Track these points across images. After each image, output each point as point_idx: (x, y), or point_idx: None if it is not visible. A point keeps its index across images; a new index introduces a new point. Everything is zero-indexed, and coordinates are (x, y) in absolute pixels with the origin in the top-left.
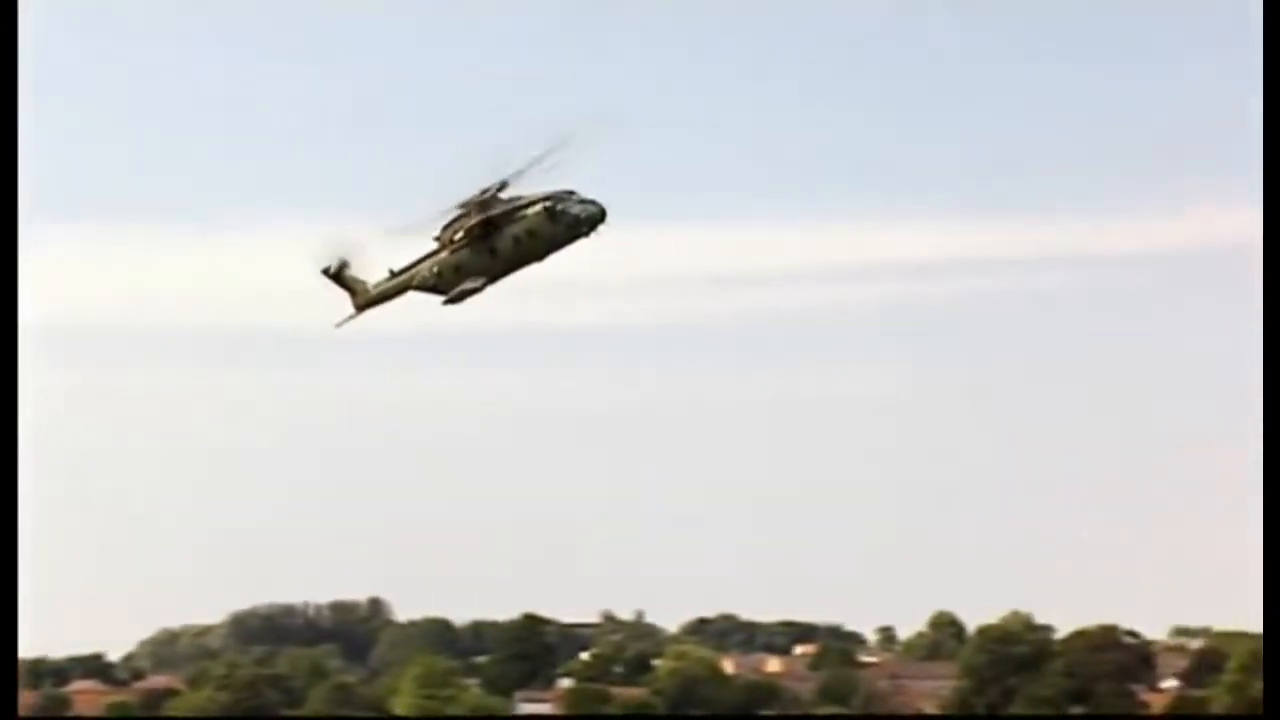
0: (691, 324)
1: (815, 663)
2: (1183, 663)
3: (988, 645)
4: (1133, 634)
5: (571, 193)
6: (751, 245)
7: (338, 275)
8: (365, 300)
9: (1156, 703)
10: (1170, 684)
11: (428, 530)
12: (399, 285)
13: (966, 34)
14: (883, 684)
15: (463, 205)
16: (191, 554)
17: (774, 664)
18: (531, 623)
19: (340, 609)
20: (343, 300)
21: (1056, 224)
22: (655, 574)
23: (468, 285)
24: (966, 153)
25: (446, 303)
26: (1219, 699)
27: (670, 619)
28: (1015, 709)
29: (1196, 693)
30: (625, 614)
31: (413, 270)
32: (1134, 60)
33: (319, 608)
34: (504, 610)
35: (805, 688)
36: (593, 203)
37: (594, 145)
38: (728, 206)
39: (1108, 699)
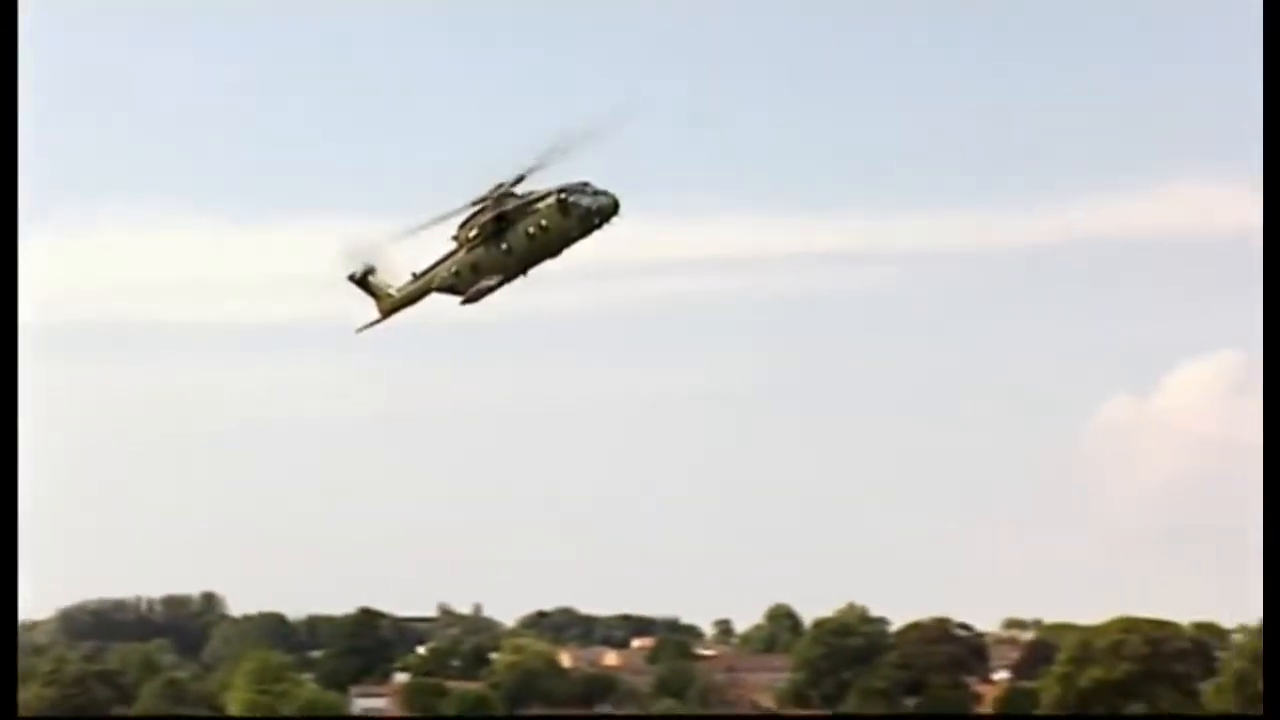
0: (534, 318)
1: (653, 656)
2: (1014, 654)
3: (823, 638)
4: (965, 626)
5: (585, 184)
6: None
7: (363, 281)
8: (390, 305)
9: (988, 694)
10: (1002, 675)
11: (261, 525)
12: (421, 288)
13: (809, 19)
14: (719, 677)
15: (477, 202)
16: (19, 548)
17: (612, 657)
18: (367, 617)
19: (173, 603)
20: (367, 305)
21: (899, 220)
22: (493, 568)
23: (484, 283)
24: (820, 146)
25: (464, 302)
26: (1048, 690)
27: (508, 613)
28: (850, 701)
29: (1027, 684)
30: (463, 608)
31: (432, 272)
32: (1002, 52)
33: (151, 602)
34: (339, 605)
35: (642, 680)
36: (605, 194)
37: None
38: None
39: (941, 690)
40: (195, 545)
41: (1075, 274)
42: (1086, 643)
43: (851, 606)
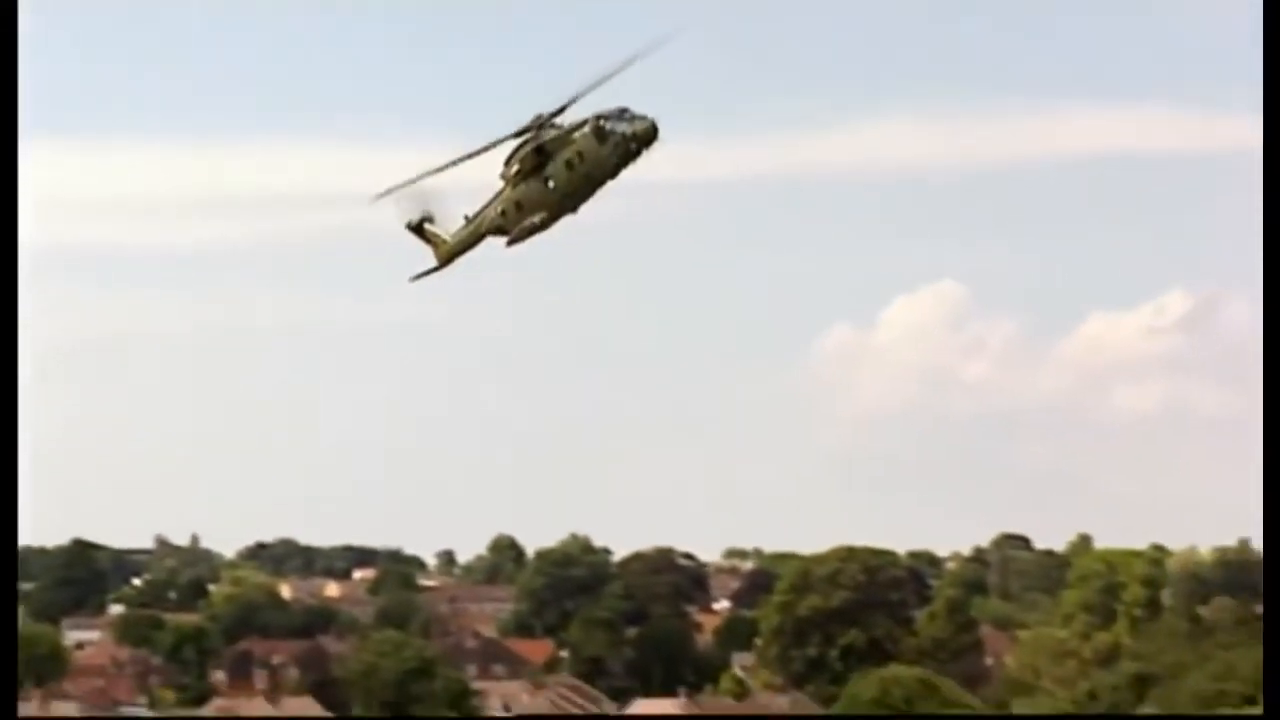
0: (230, 249)
1: (374, 587)
2: (735, 584)
3: (546, 568)
4: (688, 556)
5: (624, 110)
6: (263, 166)
7: (419, 229)
8: (445, 252)
9: (709, 622)
10: (723, 604)
11: None
12: (472, 232)
13: None
14: (442, 607)
15: (518, 134)
16: None
17: (333, 588)
18: (80, 548)
19: None
20: (425, 252)
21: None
22: (212, 499)
23: (529, 222)
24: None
25: (509, 244)
26: (768, 618)
27: (227, 544)
28: (573, 630)
29: (747, 612)
30: (180, 539)
31: (482, 214)
32: None
33: None
34: (51, 536)
35: (364, 611)
36: (643, 118)
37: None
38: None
39: (663, 620)
40: None
41: (795, 207)
42: (806, 571)
43: (574, 537)
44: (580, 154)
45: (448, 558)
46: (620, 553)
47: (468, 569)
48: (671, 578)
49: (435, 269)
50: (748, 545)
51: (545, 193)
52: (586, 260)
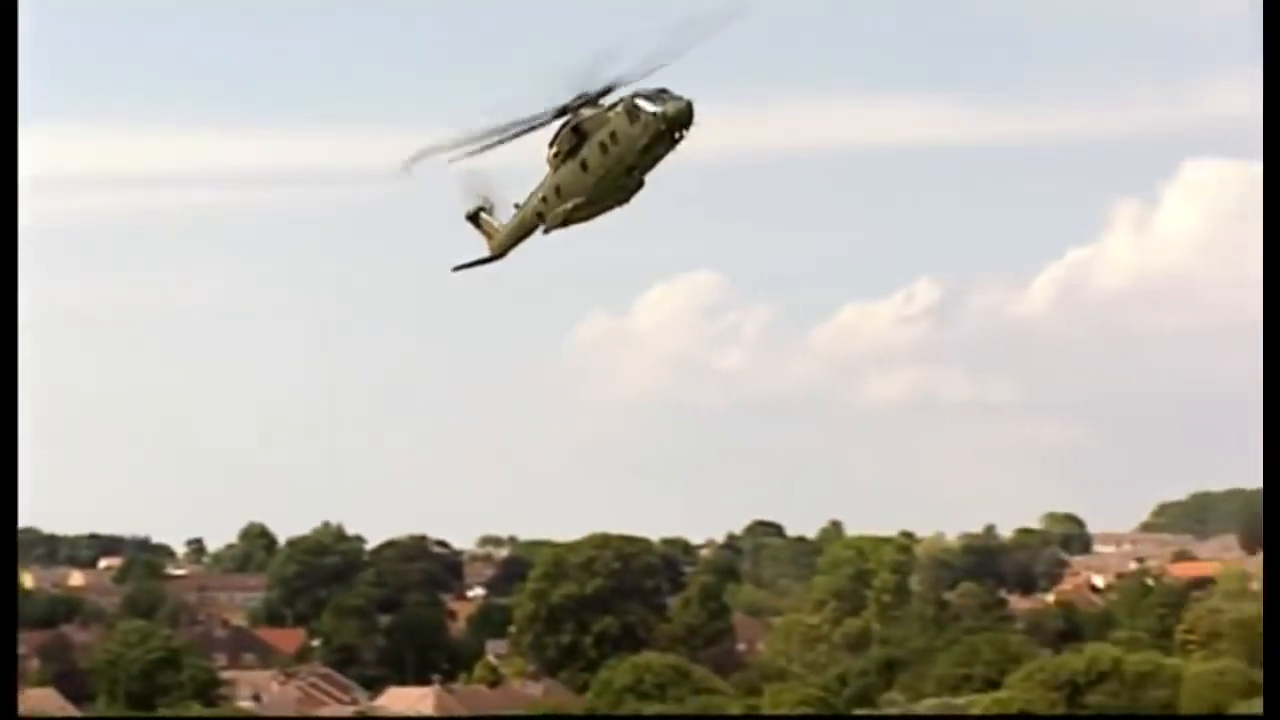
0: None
1: (120, 575)
2: (490, 571)
3: (297, 556)
4: (442, 544)
5: (662, 90)
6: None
7: (475, 218)
8: (498, 244)
9: (463, 610)
10: (477, 592)
11: None
12: (520, 222)
13: None
14: (191, 596)
15: (560, 112)
16: None
17: (77, 577)
18: None
19: None
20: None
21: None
22: None
23: (563, 207)
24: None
25: (546, 230)
26: (522, 606)
27: None
28: (325, 618)
29: (501, 600)
30: None
31: (529, 200)
32: None
33: None
34: None
35: (110, 601)
36: (677, 99)
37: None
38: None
39: (416, 607)
40: None
41: None
42: (560, 559)
43: (327, 525)
44: (614, 135)
45: (197, 546)
46: (374, 541)
47: (218, 558)
48: (425, 565)
49: (485, 260)
50: (502, 533)
51: (582, 177)
52: (340, 244)
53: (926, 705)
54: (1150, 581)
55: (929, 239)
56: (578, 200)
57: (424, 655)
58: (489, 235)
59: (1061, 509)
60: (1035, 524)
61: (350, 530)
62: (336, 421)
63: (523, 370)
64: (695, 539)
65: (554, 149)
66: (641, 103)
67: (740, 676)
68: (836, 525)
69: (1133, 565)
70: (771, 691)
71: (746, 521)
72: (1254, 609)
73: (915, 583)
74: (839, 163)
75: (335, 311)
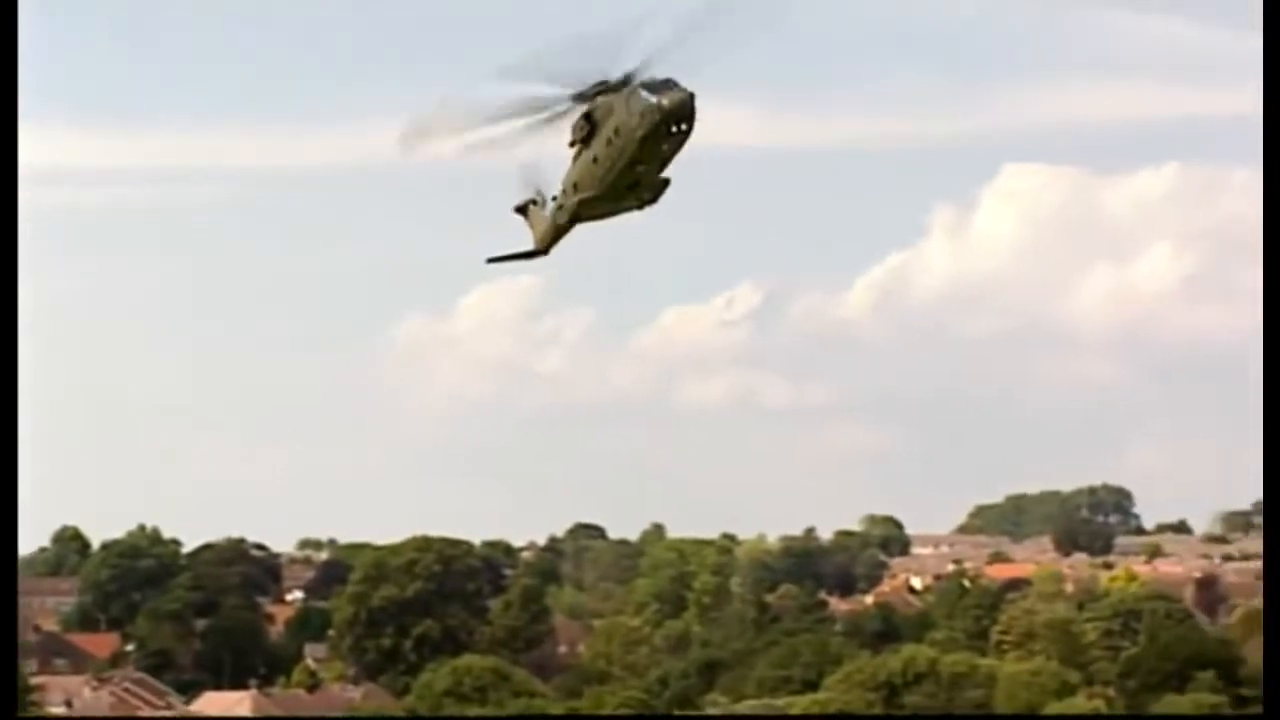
0: None
1: None
2: (309, 574)
3: (112, 560)
4: (260, 547)
5: (668, 80)
6: None
7: (524, 210)
8: (539, 236)
9: (282, 614)
10: (296, 595)
11: None
12: (553, 215)
13: None
14: None
15: (579, 99)
16: None
17: None
18: None
19: None
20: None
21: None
22: None
23: (572, 201)
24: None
25: (562, 225)
26: (341, 609)
27: None
28: (140, 623)
29: (320, 603)
30: None
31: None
32: None
33: None
34: None
35: None
36: (679, 91)
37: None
38: None
39: (233, 611)
40: None
41: (374, 195)
42: (380, 562)
43: (142, 528)
44: (618, 128)
45: None
46: (191, 544)
47: (29, 562)
48: (243, 569)
49: (527, 254)
50: (322, 536)
51: (593, 170)
52: (162, 245)
53: (746, 706)
54: (967, 583)
55: (750, 243)
56: (586, 195)
57: (241, 659)
58: (533, 227)
59: (880, 511)
60: (855, 526)
61: (166, 533)
62: (153, 422)
63: (343, 372)
64: (517, 541)
65: (570, 139)
66: (642, 92)
67: (561, 679)
68: (658, 528)
69: (950, 567)
70: (592, 694)
71: (568, 524)
72: (1067, 610)
73: (736, 585)
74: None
75: (158, 313)
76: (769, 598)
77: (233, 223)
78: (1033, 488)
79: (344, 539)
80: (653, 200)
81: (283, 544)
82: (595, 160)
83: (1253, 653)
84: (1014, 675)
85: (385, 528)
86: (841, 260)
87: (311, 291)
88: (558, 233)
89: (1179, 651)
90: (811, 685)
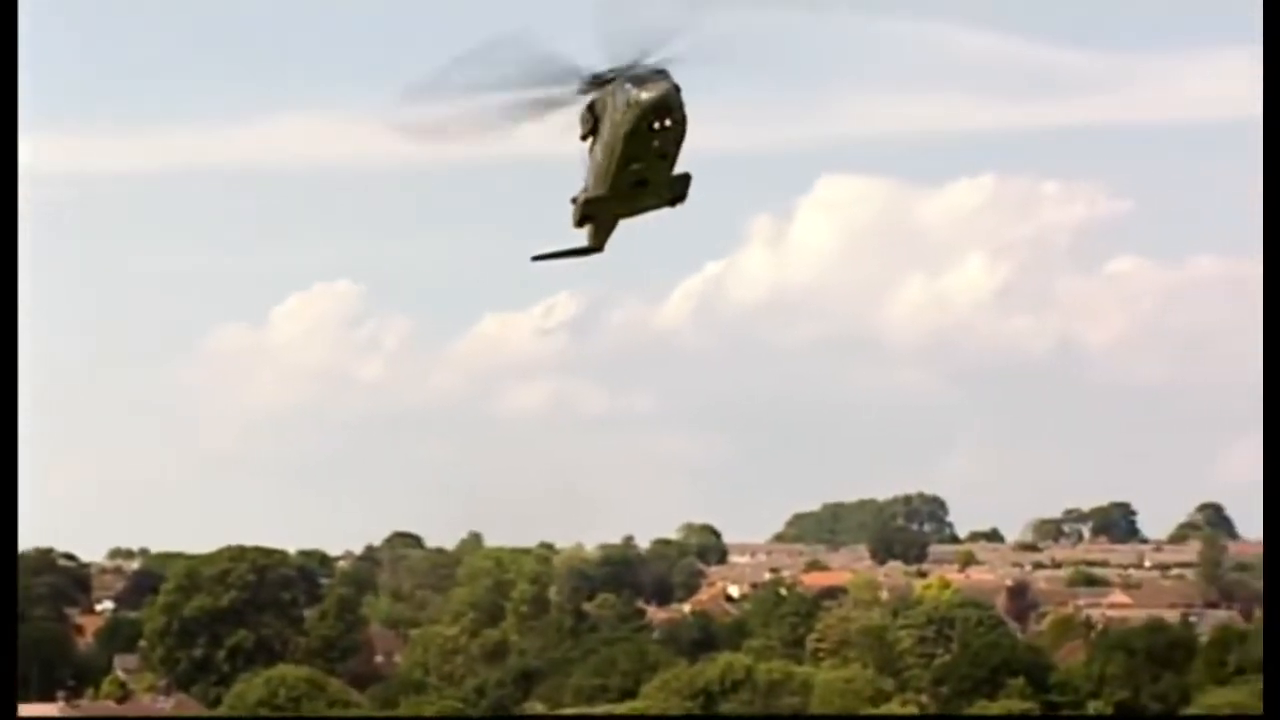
0: None
1: None
2: (120, 584)
3: None
4: (70, 557)
5: (659, 72)
6: None
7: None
8: (592, 236)
9: (91, 624)
10: (106, 606)
11: None
12: (573, 214)
13: None
14: None
15: (585, 89)
16: None
17: None
18: None
19: None
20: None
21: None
22: None
23: (583, 199)
24: None
25: (577, 225)
26: (152, 619)
27: None
28: None
29: (131, 613)
30: None
31: None
32: None
33: None
34: None
35: None
36: (659, 85)
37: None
38: None
39: (42, 622)
40: None
41: (186, 201)
42: (193, 571)
43: None
44: (609, 123)
45: None
46: None
47: None
48: (51, 579)
49: (581, 250)
50: (134, 545)
51: (597, 168)
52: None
53: (564, 715)
54: (783, 591)
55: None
56: (593, 194)
57: (49, 671)
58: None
59: (698, 520)
60: (672, 535)
61: None
62: None
63: (156, 379)
64: (333, 550)
65: (580, 132)
66: (627, 85)
67: (377, 689)
68: (476, 537)
69: (767, 575)
70: (409, 704)
71: (385, 533)
72: (882, 617)
73: (553, 594)
74: (487, 174)
75: None
76: (587, 606)
77: (40, 228)
78: (849, 496)
79: (156, 548)
80: (679, 198)
81: (93, 554)
82: (598, 158)
83: (1063, 659)
84: (829, 682)
85: (199, 537)
86: (660, 269)
87: (123, 299)
88: (605, 231)
89: (990, 658)
90: (629, 693)
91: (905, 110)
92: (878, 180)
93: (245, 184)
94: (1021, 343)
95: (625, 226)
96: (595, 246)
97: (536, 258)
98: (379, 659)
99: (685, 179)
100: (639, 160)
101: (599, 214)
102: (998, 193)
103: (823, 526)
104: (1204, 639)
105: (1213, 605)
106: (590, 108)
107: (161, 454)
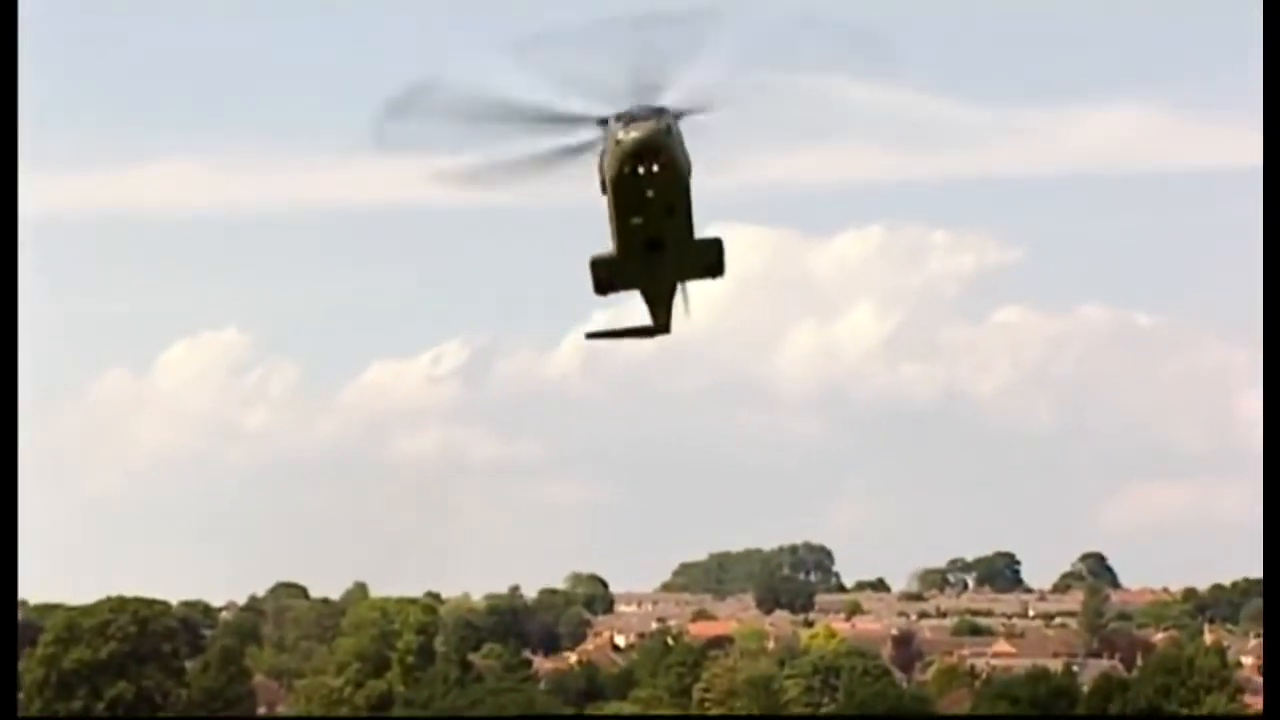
0: None
1: None
2: None
3: None
4: None
5: (660, 110)
6: None
7: None
8: (653, 315)
9: None
10: None
11: None
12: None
13: None
14: None
15: (602, 121)
16: None
17: None
18: None
19: None
20: None
21: None
22: None
23: (595, 257)
24: None
25: (596, 291)
26: (32, 672)
27: None
28: None
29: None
30: None
31: None
32: None
33: None
34: None
35: None
36: (641, 126)
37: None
38: None
39: None
40: None
41: (71, 246)
42: (73, 623)
43: None
44: (606, 168)
45: None
46: None
47: None
48: None
49: (639, 331)
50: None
51: (611, 212)
52: None
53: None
54: (670, 641)
55: (458, 299)
56: (600, 256)
57: None
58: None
59: (585, 569)
60: (560, 584)
61: None
62: None
63: (38, 425)
64: (216, 601)
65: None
66: (614, 125)
67: None
68: (361, 586)
69: (654, 625)
70: None
71: (269, 583)
72: (768, 667)
73: (440, 644)
74: (370, 219)
75: None
76: (473, 657)
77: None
78: (736, 545)
79: (34, 600)
80: (713, 268)
81: None
82: (608, 211)
83: (947, 708)
84: None
85: (78, 588)
86: (549, 318)
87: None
88: (652, 306)
89: (876, 707)
90: None
91: (796, 161)
92: (768, 230)
93: (130, 230)
94: (909, 391)
95: (515, 273)
96: (659, 327)
97: (591, 335)
98: (262, 710)
99: (716, 245)
100: (638, 213)
101: (617, 280)
102: (887, 242)
103: (710, 576)
104: (1086, 688)
105: (1095, 655)
106: (604, 153)
107: (42, 502)
